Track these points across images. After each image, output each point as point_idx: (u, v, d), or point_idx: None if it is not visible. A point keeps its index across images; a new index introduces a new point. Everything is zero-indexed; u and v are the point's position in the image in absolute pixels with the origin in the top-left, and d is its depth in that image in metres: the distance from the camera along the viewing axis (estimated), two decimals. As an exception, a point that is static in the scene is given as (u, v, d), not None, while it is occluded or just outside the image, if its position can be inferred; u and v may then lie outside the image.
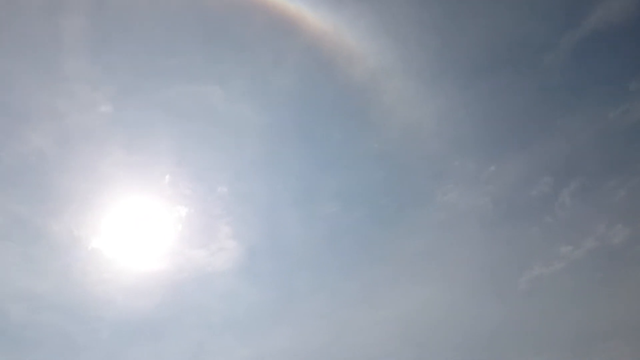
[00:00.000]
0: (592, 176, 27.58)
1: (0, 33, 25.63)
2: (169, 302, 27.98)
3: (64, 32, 26.19)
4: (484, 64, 29.51)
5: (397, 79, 28.90)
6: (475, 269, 29.84)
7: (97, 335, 26.78)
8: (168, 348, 27.62)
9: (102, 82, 26.99)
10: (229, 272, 28.72)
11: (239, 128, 29.28)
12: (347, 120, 30.19)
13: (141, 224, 27.74)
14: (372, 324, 28.94)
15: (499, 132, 29.86)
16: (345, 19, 27.71)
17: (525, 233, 28.15)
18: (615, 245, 25.93)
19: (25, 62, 26.02)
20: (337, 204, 29.66)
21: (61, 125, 26.70)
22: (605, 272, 25.97)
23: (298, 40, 28.08)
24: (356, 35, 28.36)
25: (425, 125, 29.07)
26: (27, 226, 26.56)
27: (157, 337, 27.54)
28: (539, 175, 28.34)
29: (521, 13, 27.86)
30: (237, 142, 29.73)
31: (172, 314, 28.01)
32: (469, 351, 28.71)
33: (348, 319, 28.77)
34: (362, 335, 28.95)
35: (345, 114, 30.13)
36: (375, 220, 29.82)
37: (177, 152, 28.56)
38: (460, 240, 29.78)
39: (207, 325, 27.86)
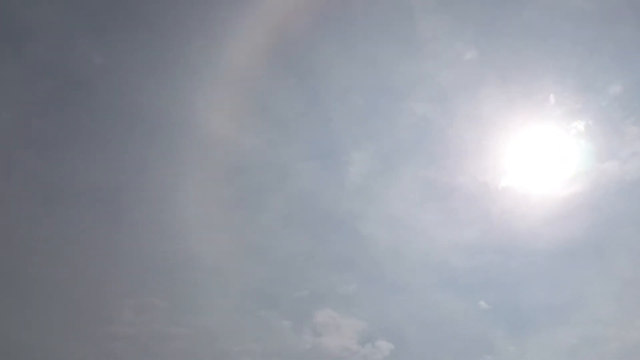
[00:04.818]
0: None
1: (358, 20, 28.45)
2: (596, 221, 26.69)
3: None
4: None
5: None
6: None
7: (534, 267, 27.43)
8: (611, 265, 26.47)
9: (457, 31, 27.40)
10: (654, 174, 25.73)
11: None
12: None
13: (541, 151, 27.16)
14: None
15: None
16: None
17: None
18: None
19: (387, 38, 28.28)
20: None
21: (436, 87, 28.18)
22: None
23: None
24: None
25: None
26: (437, 185, 28.94)
27: (596, 257, 26.65)
28: None
29: None
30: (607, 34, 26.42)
31: (605, 231, 26.67)
32: None
33: None
34: None
35: None
36: None
37: (552, 69, 26.94)
38: None
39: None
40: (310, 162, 29.29)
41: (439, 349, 27.45)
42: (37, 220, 27.86)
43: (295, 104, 29.00)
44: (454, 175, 28.61)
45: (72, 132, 28.37)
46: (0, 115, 28.18)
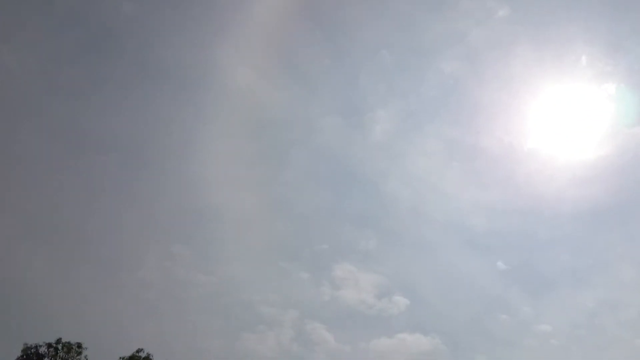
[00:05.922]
0: None
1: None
2: (622, 185, 26.55)
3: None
4: None
5: None
6: None
7: (557, 230, 27.52)
8: (636, 229, 26.39)
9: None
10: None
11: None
12: None
13: (569, 113, 26.87)
14: None
15: None
16: None
17: None
18: None
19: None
20: None
21: (466, 46, 27.83)
22: None
23: None
24: None
25: None
26: (462, 145, 29.05)
27: (621, 221, 26.56)
28: None
29: None
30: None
31: (630, 195, 26.51)
32: None
33: None
34: None
35: None
36: None
37: (585, 30, 26.38)
38: None
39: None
40: (335, 118, 29.48)
41: (454, 307, 27.96)
42: (64, 168, 28.53)
43: (322, 59, 29.04)
44: (480, 135, 28.67)
45: (100, 81, 28.74)
46: (30, 63, 28.41)
